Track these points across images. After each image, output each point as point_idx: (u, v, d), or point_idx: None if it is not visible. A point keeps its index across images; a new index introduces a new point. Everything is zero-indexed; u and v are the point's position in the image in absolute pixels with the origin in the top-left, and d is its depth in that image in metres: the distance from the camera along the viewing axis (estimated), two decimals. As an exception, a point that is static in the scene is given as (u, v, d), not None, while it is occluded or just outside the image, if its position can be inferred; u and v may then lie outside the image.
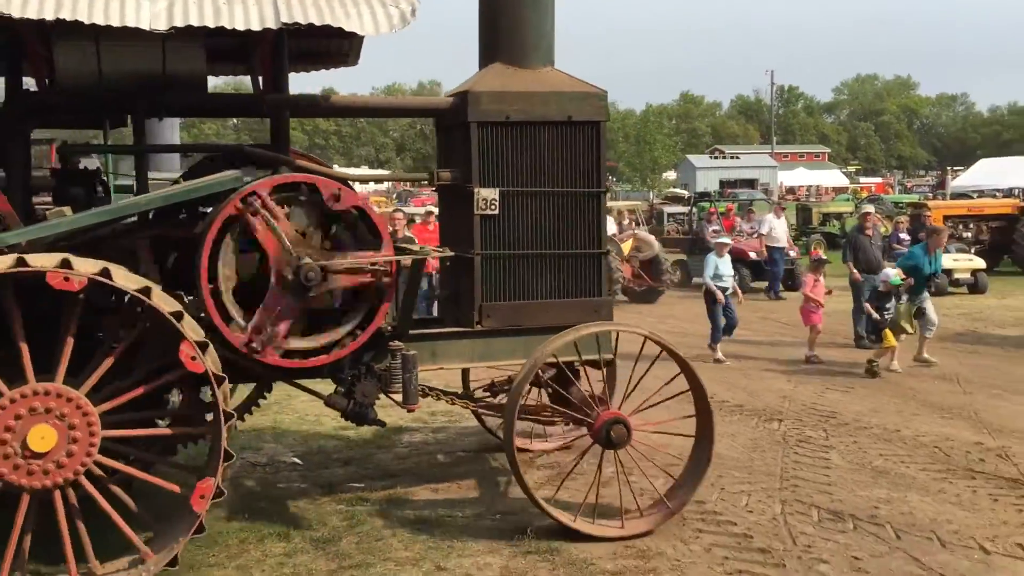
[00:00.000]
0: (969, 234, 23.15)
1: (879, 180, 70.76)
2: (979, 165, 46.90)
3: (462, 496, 6.94)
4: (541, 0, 6.55)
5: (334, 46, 7.43)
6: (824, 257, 14.23)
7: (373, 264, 5.68)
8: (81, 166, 7.30)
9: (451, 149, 6.68)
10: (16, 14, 4.90)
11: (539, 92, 6.40)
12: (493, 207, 6.28)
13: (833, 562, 5.61)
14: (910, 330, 11.55)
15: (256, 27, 5.22)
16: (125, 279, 5.05)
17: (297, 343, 5.67)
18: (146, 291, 4.99)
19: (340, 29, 5.38)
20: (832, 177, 70.70)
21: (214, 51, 6.33)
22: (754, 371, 11.83)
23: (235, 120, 67.85)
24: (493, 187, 6.28)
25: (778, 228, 19.76)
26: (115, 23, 5.04)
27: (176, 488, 5.20)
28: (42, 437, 4.80)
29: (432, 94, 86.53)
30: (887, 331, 11.44)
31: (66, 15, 4.95)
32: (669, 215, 32.30)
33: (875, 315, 11.77)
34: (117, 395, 5.10)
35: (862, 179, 74.28)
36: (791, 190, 58.33)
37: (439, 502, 6.79)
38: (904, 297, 11.58)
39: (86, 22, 5.00)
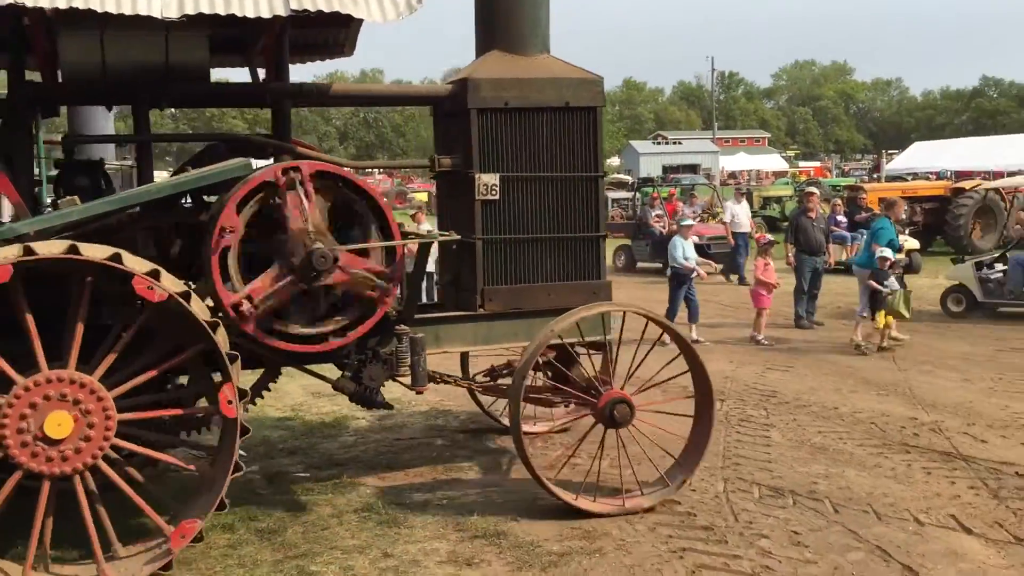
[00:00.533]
0: (903, 215, 23.65)
1: (817, 164, 72.05)
2: (913, 148, 48.05)
3: (408, 483, 6.94)
4: None
5: (332, 36, 7.39)
6: (772, 238, 14.40)
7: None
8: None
9: (451, 136, 6.73)
10: (30, 3, 4.77)
11: (537, 79, 6.47)
12: (494, 192, 6.35)
13: (773, 537, 5.73)
14: (906, 315, 11.74)
15: (266, 14, 5.15)
16: (200, 309, 5.02)
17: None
18: (213, 326, 4.98)
19: (348, 16, 5.36)
20: (772, 161, 71.94)
21: (211, 41, 6.23)
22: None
23: (173, 109, 66.64)
24: (493, 172, 6.34)
25: (740, 214, 19.93)
26: (127, 11, 4.95)
27: (167, 528, 5.05)
28: (58, 424, 4.75)
29: (374, 81, 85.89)
30: (881, 312, 11.57)
31: (78, 3, 4.83)
32: (613, 200, 32.44)
33: (881, 289, 11.61)
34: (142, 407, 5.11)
35: (801, 163, 75.54)
36: (733, 175, 59.21)
37: (385, 489, 6.78)
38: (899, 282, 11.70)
39: (98, 10, 4.89)
